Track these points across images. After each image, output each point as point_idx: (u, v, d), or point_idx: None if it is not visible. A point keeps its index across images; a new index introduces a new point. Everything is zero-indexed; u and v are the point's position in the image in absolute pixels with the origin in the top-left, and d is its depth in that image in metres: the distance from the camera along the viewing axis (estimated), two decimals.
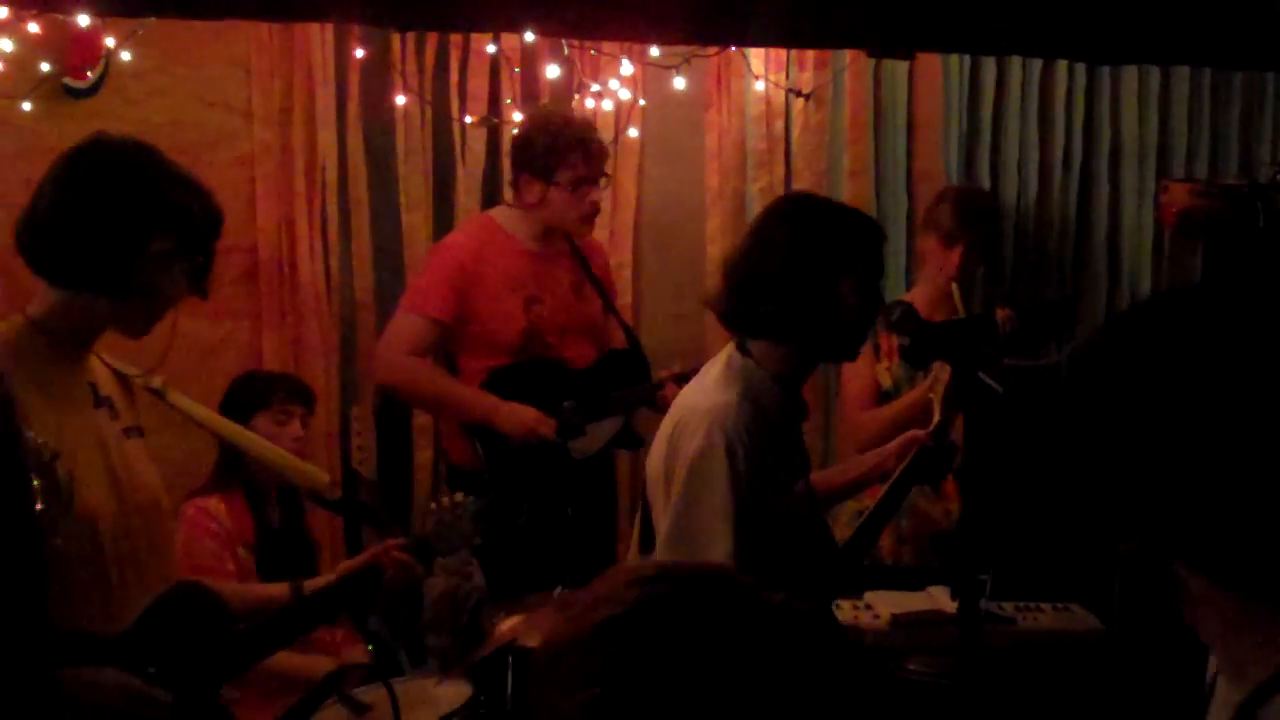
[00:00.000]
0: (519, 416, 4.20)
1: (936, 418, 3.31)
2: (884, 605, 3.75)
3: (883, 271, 3.13)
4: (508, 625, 3.22)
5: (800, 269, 2.96)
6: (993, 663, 3.38)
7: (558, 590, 3.49)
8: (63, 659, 2.11)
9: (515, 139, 4.43)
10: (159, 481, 2.76)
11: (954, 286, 4.53)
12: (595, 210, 4.41)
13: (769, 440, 2.96)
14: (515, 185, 4.39)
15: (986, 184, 5.13)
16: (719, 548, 2.85)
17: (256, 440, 3.42)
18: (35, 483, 2.34)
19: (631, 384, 4.35)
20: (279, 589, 3.02)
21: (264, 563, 3.84)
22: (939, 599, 3.75)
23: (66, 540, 2.42)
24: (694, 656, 1.21)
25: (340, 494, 3.59)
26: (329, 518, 4.73)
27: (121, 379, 2.80)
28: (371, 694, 3.06)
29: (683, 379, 4.16)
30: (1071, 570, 4.82)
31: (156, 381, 2.92)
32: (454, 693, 3.25)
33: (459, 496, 3.13)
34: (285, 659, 3.68)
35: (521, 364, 4.32)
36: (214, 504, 3.82)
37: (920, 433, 3.36)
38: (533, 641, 2.99)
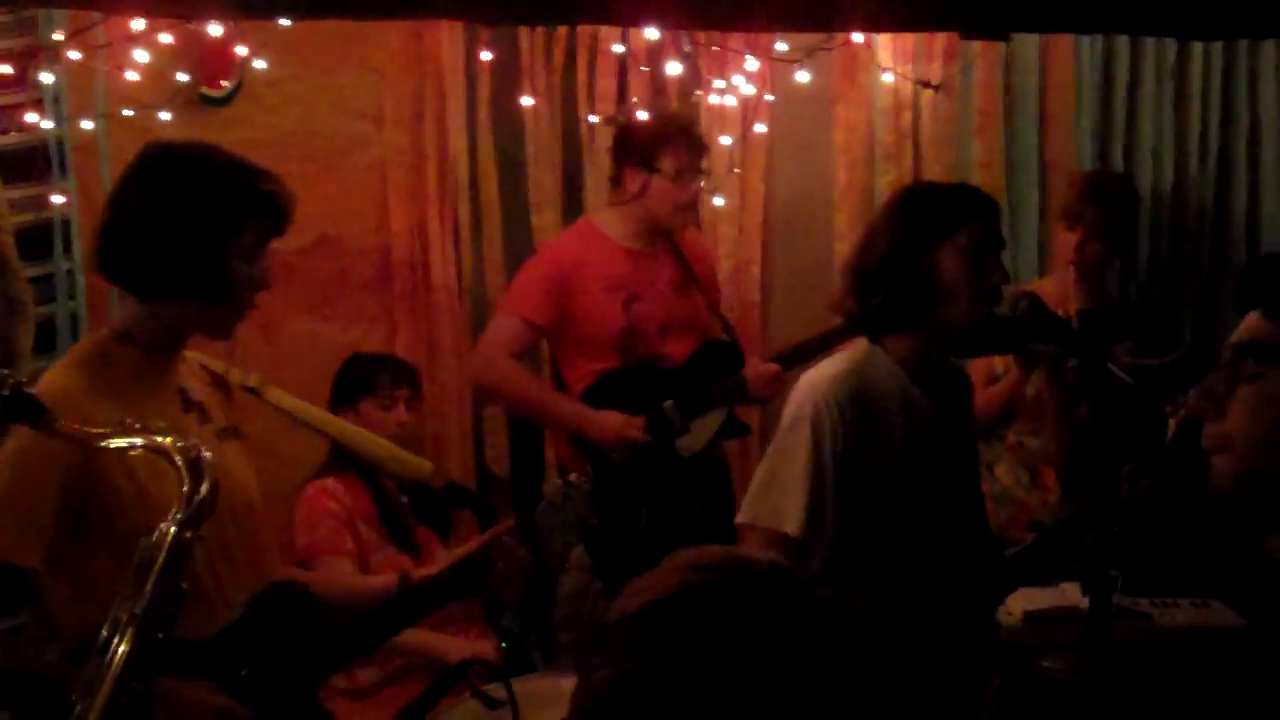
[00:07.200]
0: (605, 423, 4.20)
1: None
2: (1017, 601, 3.71)
3: (999, 243, 3.06)
4: None
5: (898, 247, 2.97)
6: (1127, 660, 3.32)
7: None
8: (157, 666, 2.11)
9: (617, 135, 4.47)
10: (254, 484, 2.74)
11: (1071, 270, 4.36)
12: (694, 200, 4.46)
13: (877, 420, 2.97)
14: (618, 179, 4.42)
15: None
16: (791, 518, 2.90)
17: (359, 433, 3.44)
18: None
19: (728, 374, 4.33)
20: (387, 580, 3.00)
21: (396, 535, 3.99)
22: (1071, 595, 3.70)
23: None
24: (724, 647, 1.25)
25: (443, 483, 3.62)
26: None
27: (218, 380, 2.79)
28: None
29: (780, 359, 4.23)
30: (1211, 566, 4.72)
31: (253, 380, 2.93)
32: None
33: (572, 477, 3.05)
34: (419, 637, 3.78)
35: (622, 370, 4.32)
36: (331, 484, 3.95)
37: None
38: None
